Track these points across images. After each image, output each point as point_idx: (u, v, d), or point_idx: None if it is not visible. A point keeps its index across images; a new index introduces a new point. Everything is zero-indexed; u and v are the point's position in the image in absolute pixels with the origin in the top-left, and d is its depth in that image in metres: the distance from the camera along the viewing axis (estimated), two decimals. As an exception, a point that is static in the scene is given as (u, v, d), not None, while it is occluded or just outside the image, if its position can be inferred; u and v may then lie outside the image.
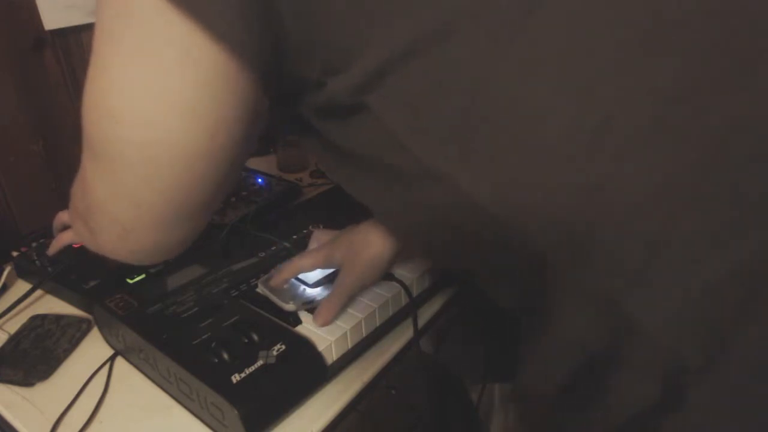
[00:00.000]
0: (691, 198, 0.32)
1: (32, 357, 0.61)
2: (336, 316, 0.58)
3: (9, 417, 0.56)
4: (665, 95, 0.32)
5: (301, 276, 0.62)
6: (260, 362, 0.51)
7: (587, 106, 0.33)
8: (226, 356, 0.51)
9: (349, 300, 0.60)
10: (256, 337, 0.54)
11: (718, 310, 0.33)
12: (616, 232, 0.33)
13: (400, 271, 0.65)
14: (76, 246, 0.72)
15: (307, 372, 0.54)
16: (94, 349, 0.64)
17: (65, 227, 0.73)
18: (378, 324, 0.61)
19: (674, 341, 0.33)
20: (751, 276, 0.32)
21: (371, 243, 0.61)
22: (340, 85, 0.36)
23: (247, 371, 0.50)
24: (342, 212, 0.80)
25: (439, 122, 0.35)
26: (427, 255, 0.50)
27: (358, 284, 0.61)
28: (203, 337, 0.54)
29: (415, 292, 0.64)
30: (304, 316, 0.59)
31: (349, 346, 0.58)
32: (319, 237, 0.67)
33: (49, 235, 0.79)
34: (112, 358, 0.62)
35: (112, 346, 0.64)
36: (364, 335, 0.59)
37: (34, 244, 0.78)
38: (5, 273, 0.75)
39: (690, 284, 0.33)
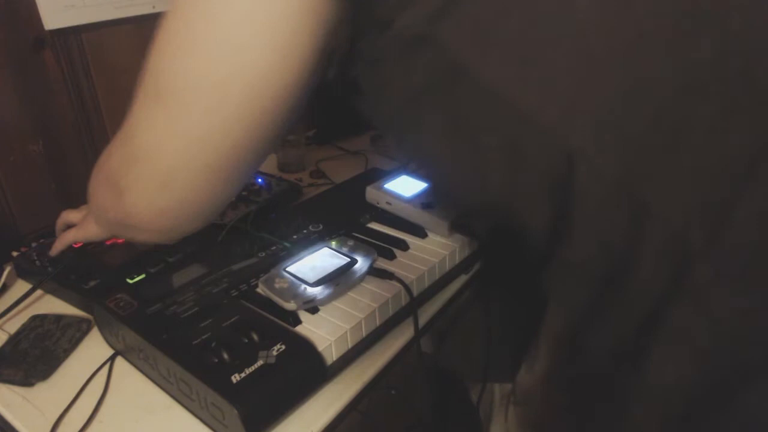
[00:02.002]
0: (703, 87, 0.34)
1: (32, 357, 0.61)
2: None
3: (9, 417, 0.56)
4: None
5: (301, 275, 0.62)
6: (260, 362, 0.51)
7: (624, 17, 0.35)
8: (226, 356, 0.51)
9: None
10: (256, 337, 0.54)
11: (717, 191, 0.35)
12: (644, 129, 0.35)
13: (400, 271, 0.65)
14: (76, 246, 0.73)
15: (307, 372, 0.54)
16: (94, 349, 0.64)
17: (68, 226, 0.73)
18: (378, 324, 0.61)
19: (682, 223, 0.35)
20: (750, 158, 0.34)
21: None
22: (410, 19, 0.37)
23: (247, 371, 0.50)
24: (342, 212, 0.80)
25: (503, 45, 0.36)
26: (468, 195, 0.49)
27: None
28: (203, 337, 0.54)
29: (415, 292, 0.64)
30: (304, 316, 0.59)
31: (349, 346, 0.58)
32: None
33: (49, 235, 0.79)
34: (112, 358, 0.62)
35: (112, 346, 0.64)
36: (364, 335, 0.59)
37: (34, 244, 0.78)
38: (5, 273, 0.75)
39: (695, 170, 0.35)
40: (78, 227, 0.68)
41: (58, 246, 0.71)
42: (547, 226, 0.41)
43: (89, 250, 0.74)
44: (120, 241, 0.74)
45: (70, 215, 0.72)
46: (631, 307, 0.39)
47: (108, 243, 0.74)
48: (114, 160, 0.45)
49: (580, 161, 0.37)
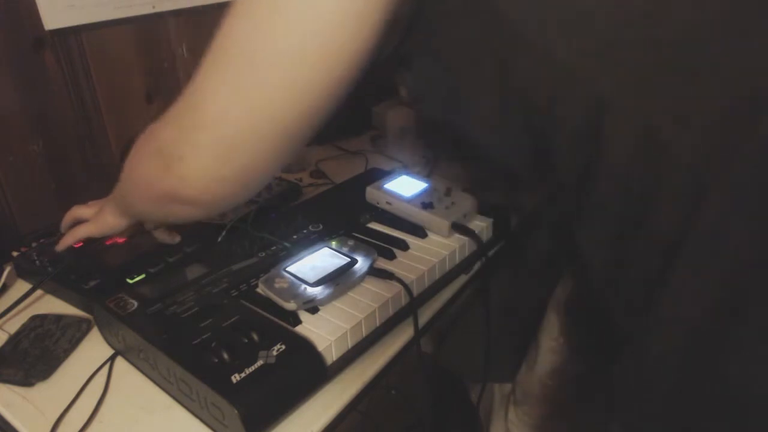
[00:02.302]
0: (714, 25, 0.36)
1: (32, 357, 0.61)
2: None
3: (9, 417, 0.56)
4: None
5: (301, 275, 0.62)
6: (260, 362, 0.51)
7: None
8: (226, 356, 0.51)
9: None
10: (256, 337, 0.54)
11: (729, 128, 0.36)
12: (664, 69, 0.37)
13: (400, 271, 0.65)
14: (77, 246, 0.73)
15: (307, 372, 0.54)
16: (94, 349, 0.64)
17: (76, 223, 0.72)
18: (378, 324, 0.61)
19: (700, 159, 0.36)
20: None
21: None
22: None
23: (247, 371, 0.50)
24: (342, 212, 0.80)
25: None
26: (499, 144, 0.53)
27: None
28: (203, 337, 0.54)
29: (415, 292, 0.64)
30: (304, 316, 0.59)
31: (349, 346, 0.58)
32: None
33: (49, 234, 0.79)
34: (112, 358, 0.62)
35: (112, 346, 0.64)
36: (364, 335, 0.59)
37: (34, 244, 0.78)
38: (5, 273, 0.76)
39: (709, 108, 0.36)
40: (93, 221, 0.68)
41: (68, 240, 0.70)
42: (574, 176, 0.43)
43: (89, 250, 0.74)
44: (120, 240, 0.74)
45: (80, 211, 0.72)
46: (650, 244, 0.40)
47: (108, 243, 0.74)
48: (170, 130, 0.46)
49: (609, 107, 0.38)
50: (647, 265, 0.41)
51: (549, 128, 0.43)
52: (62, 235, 0.76)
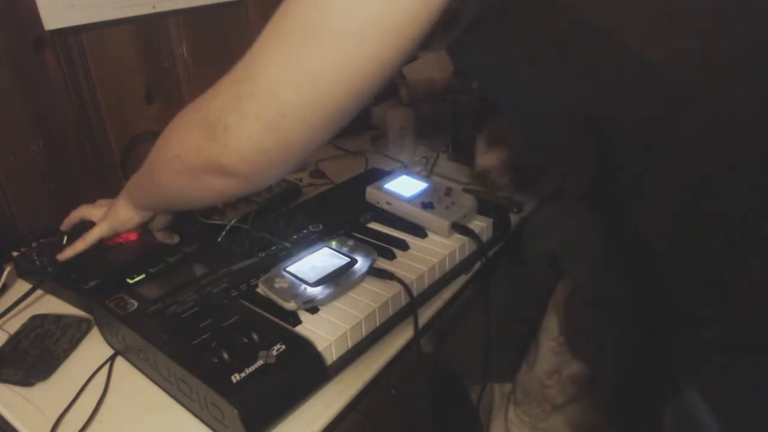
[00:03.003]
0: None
1: (32, 357, 0.61)
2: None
3: (9, 417, 0.56)
4: None
5: (301, 275, 0.62)
6: (260, 362, 0.51)
7: None
8: (226, 356, 0.51)
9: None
10: (256, 337, 0.54)
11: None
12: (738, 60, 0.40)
13: (400, 271, 0.65)
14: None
15: (306, 372, 0.54)
16: (94, 349, 0.64)
17: (81, 223, 0.72)
18: (378, 324, 0.61)
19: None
20: None
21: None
22: None
23: (247, 371, 0.50)
24: (342, 212, 0.80)
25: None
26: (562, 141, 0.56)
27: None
28: (203, 337, 0.54)
29: (415, 292, 0.64)
30: (304, 316, 0.59)
31: (349, 346, 0.58)
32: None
33: (49, 234, 0.79)
34: (112, 358, 0.62)
35: (112, 346, 0.64)
36: (364, 335, 0.59)
37: (34, 244, 0.78)
38: (5, 273, 0.76)
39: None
40: (103, 220, 0.68)
41: (79, 246, 0.69)
42: (640, 162, 0.45)
43: (91, 249, 0.74)
44: (133, 237, 0.74)
45: (88, 210, 0.72)
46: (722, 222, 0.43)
47: (108, 243, 0.74)
48: (219, 99, 0.47)
49: (691, 97, 0.40)
50: (717, 241, 0.42)
51: (619, 118, 0.44)
52: (63, 236, 0.76)
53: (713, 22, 0.40)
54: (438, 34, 0.46)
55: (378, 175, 0.87)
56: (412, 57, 0.46)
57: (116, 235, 0.69)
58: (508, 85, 0.52)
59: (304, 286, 0.60)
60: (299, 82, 0.43)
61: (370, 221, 0.78)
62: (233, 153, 0.47)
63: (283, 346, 0.53)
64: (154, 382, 0.58)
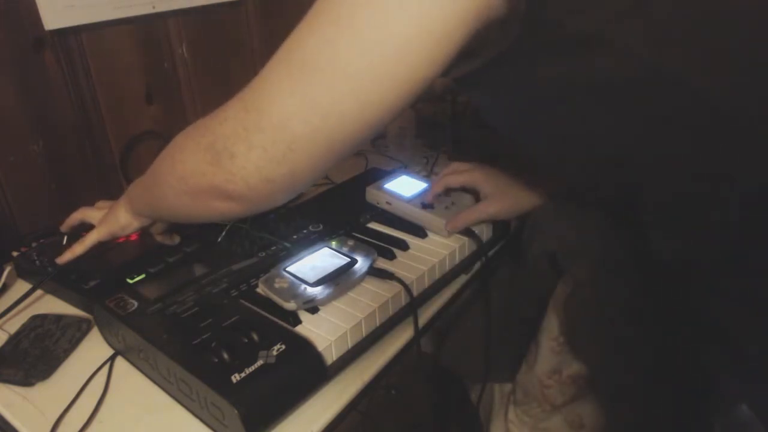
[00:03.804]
0: None
1: (32, 357, 0.61)
2: (464, 227, 0.72)
3: (9, 417, 0.56)
4: None
5: (301, 275, 0.62)
6: (260, 362, 0.51)
7: None
8: (226, 356, 0.51)
9: (477, 223, 0.74)
10: (256, 337, 0.54)
11: None
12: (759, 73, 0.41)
13: (400, 271, 0.65)
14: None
15: (306, 372, 0.54)
16: (94, 349, 0.64)
17: (81, 225, 0.72)
18: (378, 324, 0.61)
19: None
20: None
21: (521, 197, 0.74)
22: (581, 26, 0.41)
23: (247, 371, 0.50)
24: (342, 212, 0.80)
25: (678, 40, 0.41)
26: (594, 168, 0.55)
27: (491, 218, 0.75)
28: (203, 337, 0.54)
29: (415, 292, 0.64)
30: (304, 316, 0.59)
31: (349, 346, 0.58)
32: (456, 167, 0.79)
33: (49, 234, 0.79)
34: (112, 358, 0.62)
35: (112, 346, 0.64)
36: (364, 335, 0.59)
37: (34, 244, 0.78)
38: (5, 273, 0.76)
39: None
40: (102, 224, 0.68)
41: (77, 250, 0.69)
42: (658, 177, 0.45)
43: (91, 249, 0.74)
44: (134, 237, 0.74)
45: (88, 213, 0.72)
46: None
47: (121, 240, 0.74)
48: (227, 127, 0.46)
49: (730, 120, 0.41)
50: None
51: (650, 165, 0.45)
52: (63, 236, 0.76)
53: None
54: (458, 63, 0.45)
55: (378, 175, 0.88)
56: (427, 89, 0.46)
57: (115, 239, 0.69)
58: (528, 121, 0.52)
59: (304, 286, 0.60)
60: (309, 116, 0.43)
61: (370, 221, 0.78)
62: (239, 181, 0.46)
63: (283, 346, 0.53)
64: (154, 382, 0.58)
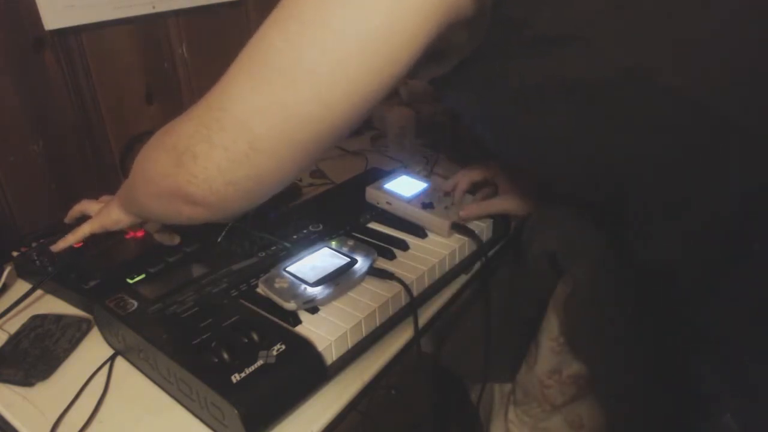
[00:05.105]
0: None
1: (32, 357, 0.61)
2: (476, 218, 0.75)
3: (9, 417, 0.56)
4: None
5: (301, 275, 0.62)
6: (260, 362, 0.51)
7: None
8: (226, 356, 0.51)
9: (487, 216, 0.76)
10: (256, 337, 0.54)
11: None
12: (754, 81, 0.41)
13: (400, 271, 0.65)
14: (77, 246, 0.72)
15: (306, 372, 0.54)
16: (94, 349, 0.64)
17: (81, 216, 0.72)
18: (378, 324, 0.61)
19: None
20: None
21: (534, 195, 0.76)
22: (552, 25, 0.41)
23: (247, 371, 0.50)
24: (342, 212, 0.80)
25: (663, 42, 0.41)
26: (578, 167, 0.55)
27: (501, 211, 0.77)
28: (203, 337, 0.54)
29: (415, 292, 0.64)
30: (304, 316, 0.59)
31: (349, 346, 0.58)
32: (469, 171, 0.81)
33: (49, 234, 0.79)
34: (112, 358, 0.62)
35: (112, 346, 0.64)
36: (364, 335, 0.59)
37: (34, 244, 0.78)
38: (5, 273, 0.76)
39: None
40: (95, 217, 0.68)
41: (69, 239, 0.70)
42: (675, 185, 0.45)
43: (92, 249, 0.74)
44: (139, 234, 0.74)
45: (88, 205, 0.72)
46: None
47: (127, 236, 0.74)
48: (190, 126, 0.45)
49: (732, 129, 0.41)
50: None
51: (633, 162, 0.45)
52: (63, 234, 0.76)
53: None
54: (428, 65, 0.45)
55: (378, 175, 0.87)
56: (393, 89, 0.45)
57: (106, 232, 0.69)
58: (504, 123, 0.51)
59: (304, 286, 0.60)
60: (270, 115, 0.42)
61: (370, 221, 0.78)
62: (201, 183, 0.45)
63: (283, 346, 0.53)
64: (154, 382, 0.58)
